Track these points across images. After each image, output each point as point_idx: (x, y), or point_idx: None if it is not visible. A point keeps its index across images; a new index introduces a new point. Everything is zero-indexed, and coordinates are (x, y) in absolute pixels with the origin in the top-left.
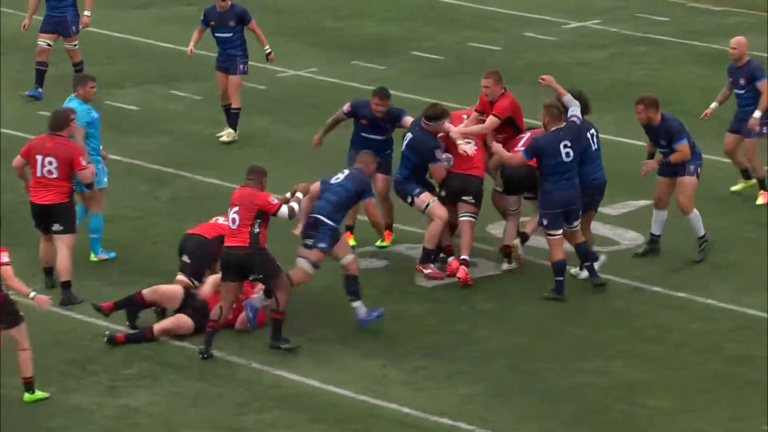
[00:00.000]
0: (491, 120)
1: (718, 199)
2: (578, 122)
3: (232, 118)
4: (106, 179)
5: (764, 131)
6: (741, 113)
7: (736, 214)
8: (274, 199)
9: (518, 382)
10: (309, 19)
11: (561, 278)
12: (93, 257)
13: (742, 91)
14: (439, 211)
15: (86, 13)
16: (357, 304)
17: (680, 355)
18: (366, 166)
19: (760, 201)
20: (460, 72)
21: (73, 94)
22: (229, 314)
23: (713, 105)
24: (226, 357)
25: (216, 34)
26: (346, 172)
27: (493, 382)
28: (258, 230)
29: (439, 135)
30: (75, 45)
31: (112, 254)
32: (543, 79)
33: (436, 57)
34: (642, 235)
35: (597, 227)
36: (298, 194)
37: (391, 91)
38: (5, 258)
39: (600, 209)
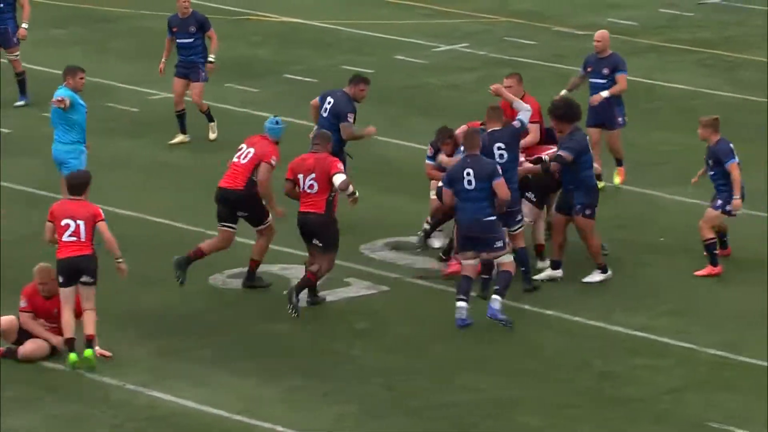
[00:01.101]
0: (533, 128)
1: None
2: (517, 126)
3: (207, 116)
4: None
5: (621, 122)
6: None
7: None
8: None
9: (391, 400)
10: None
11: (524, 268)
12: None
13: (604, 81)
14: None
15: (24, 25)
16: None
17: (550, 372)
18: None
19: (617, 180)
20: None
21: (62, 84)
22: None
23: (563, 92)
24: (100, 378)
25: (178, 41)
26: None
27: (367, 400)
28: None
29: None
30: (17, 55)
31: None
32: (492, 90)
33: (309, 80)
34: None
35: None
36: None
37: (264, 113)
38: (103, 215)
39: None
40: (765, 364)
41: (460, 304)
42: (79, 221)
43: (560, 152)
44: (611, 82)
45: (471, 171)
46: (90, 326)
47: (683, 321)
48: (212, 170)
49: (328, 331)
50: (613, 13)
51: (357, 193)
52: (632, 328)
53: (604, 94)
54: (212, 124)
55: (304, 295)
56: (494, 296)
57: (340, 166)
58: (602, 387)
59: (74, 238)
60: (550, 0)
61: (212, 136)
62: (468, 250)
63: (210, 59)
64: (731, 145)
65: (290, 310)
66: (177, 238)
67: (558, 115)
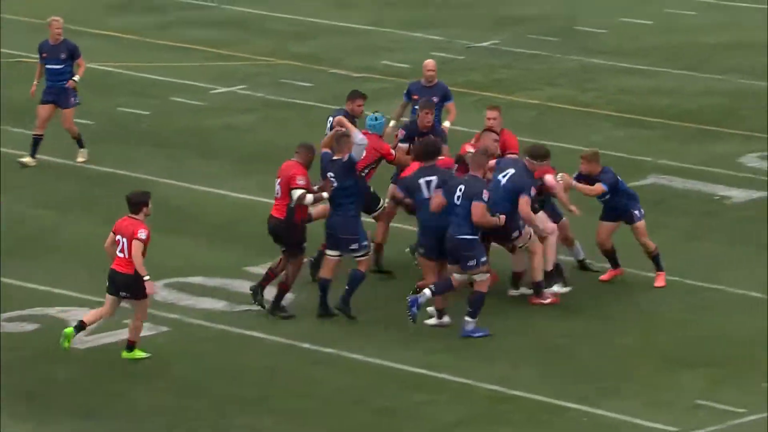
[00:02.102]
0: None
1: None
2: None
3: (78, 142)
4: None
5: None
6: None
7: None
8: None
9: None
10: None
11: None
12: None
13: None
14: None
15: (76, 77)
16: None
17: (329, 409)
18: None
19: None
20: (109, 137)
21: None
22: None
23: (392, 123)
24: None
25: (48, 66)
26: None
27: None
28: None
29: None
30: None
31: None
32: (335, 122)
33: (85, 122)
34: (291, 292)
35: (247, 286)
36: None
37: (43, 156)
38: (142, 235)
39: (251, 268)
40: (537, 397)
41: (426, 292)
42: (124, 239)
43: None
44: (438, 110)
45: (463, 187)
46: (131, 333)
47: (459, 356)
48: None
49: (108, 372)
50: (386, 56)
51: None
52: (410, 365)
53: (447, 125)
54: (83, 150)
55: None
56: (466, 318)
57: (300, 181)
58: (380, 423)
59: (122, 254)
60: (326, 43)
61: (80, 159)
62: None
63: (74, 78)
64: (615, 174)
65: (285, 317)
66: None
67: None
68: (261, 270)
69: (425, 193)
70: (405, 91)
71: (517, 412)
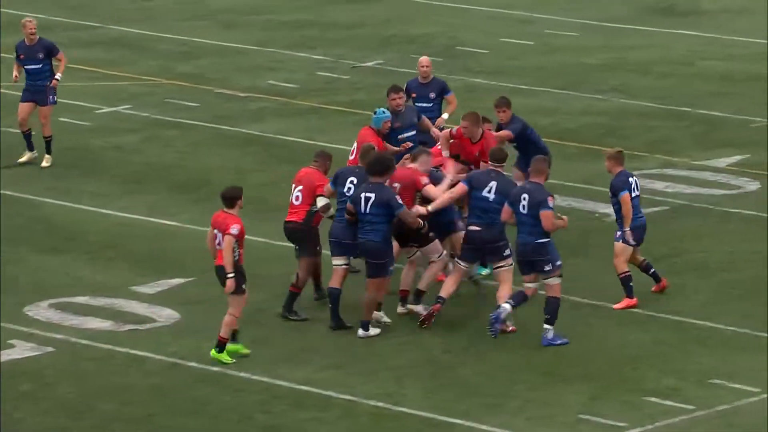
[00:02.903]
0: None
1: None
2: None
3: (47, 144)
4: None
5: None
6: None
7: (271, 290)
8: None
9: None
10: None
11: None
12: None
13: (430, 105)
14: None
15: (57, 75)
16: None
17: (215, 428)
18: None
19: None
20: None
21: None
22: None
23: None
24: None
25: (26, 67)
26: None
27: None
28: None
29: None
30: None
31: None
32: None
33: None
34: (177, 312)
35: (133, 305)
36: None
37: None
38: (234, 230)
39: (136, 288)
40: (422, 413)
41: (506, 306)
42: (219, 233)
43: None
44: (437, 105)
45: (527, 196)
46: (223, 329)
47: (345, 373)
48: None
49: None
50: (272, 75)
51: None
52: (296, 382)
53: (445, 116)
54: (48, 156)
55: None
56: (545, 326)
57: (326, 189)
58: None
59: (220, 248)
60: (212, 63)
61: (45, 164)
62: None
63: (57, 77)
64: (631, 177)
65: (299, 320)
66: None
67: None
68: (147, 289)
69: (361, 208)
70: (404, 88)
71: (402, 428)
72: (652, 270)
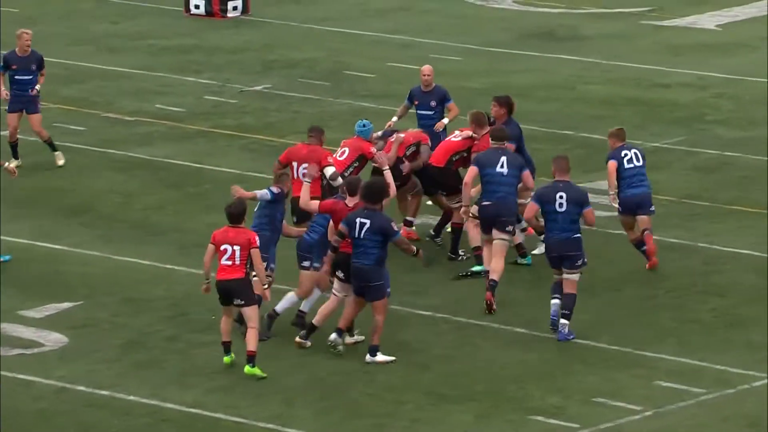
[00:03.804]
0: None
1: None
2: None
3: (51, 146)
4: None
5: None
6: (426, 130)
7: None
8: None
9: None
10: None
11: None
12: None
13: (432, 112)
14: None
15: (37, 86)
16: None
17: None
18: None
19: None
20: None
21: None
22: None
23: (394, 119)
24: None
25: (17, 77)
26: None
27: None
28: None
29: None
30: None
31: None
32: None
33: None
34: (65, 336)
35: (19, 330)
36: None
37: None
38: (258, 241)
39: (23, 312)
40: None
41: (564, 321)
42: (235, 247)
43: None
44: (438, 112)
45: (564, 195)
46: (251, 343)
47: (232, 396)
48: None
49: None
50: (159, 99)
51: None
52: (185, 405)
53: (445, 121)
54: (57, 153)
55: None
56: (563, 321)
57: (331, 159)
58: None
59: (230, 262)
60: (98, 87)
61: (60, 162)
62: (556, 268)
63: (37, 87)
64: (629, 150)
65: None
66: None
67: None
68: (35, 314)
69: (356, 233)
70: (408, 96)
71: None
72: (643, 247)
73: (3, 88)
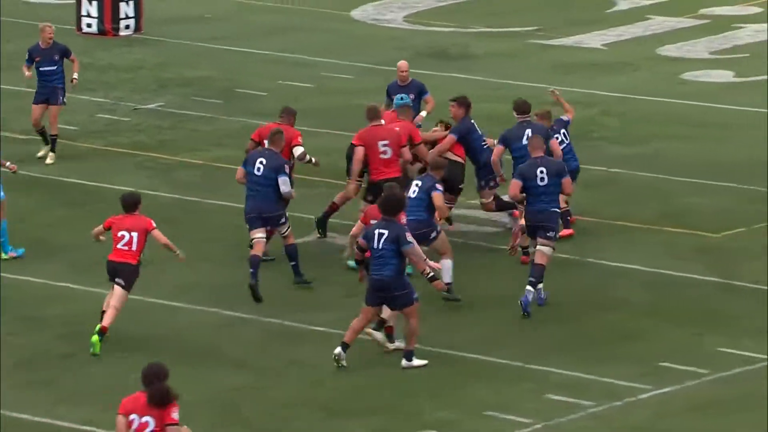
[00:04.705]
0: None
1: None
2: None
3: (53, 143)
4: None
5: None
6: None
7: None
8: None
9: None
10: None
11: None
12: (4, 256)
13: (412, 104)
14: None
15: (75, 75)
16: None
17: None
18: None
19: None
20: None
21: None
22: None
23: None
24: None
25: (41, 68)
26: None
27: None
28: None
29: None
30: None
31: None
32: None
33: None
34: None
35: None
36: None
37: None
38: (153, 224)
39: None
40: None
41: (529, 288)
42: (133, 233)
43: None
44: (416, 105)
45: (544, 169)
46: (107, 320)
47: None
48: None
49: None
50: None
51: (314, 159)
52: (78, 422)
53: (423, 114)
54: (52, 153)
55: None
56: (528, 288)
57: (300, 139)
58: None
59: (126, 248)
60: None
61: (50, 161)
62: (532, 237)
63: (74, 76)
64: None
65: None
66: None
67: None
68: None
69: (374, 243)
70: (386, 92)
71: None
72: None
73: (27, 72)
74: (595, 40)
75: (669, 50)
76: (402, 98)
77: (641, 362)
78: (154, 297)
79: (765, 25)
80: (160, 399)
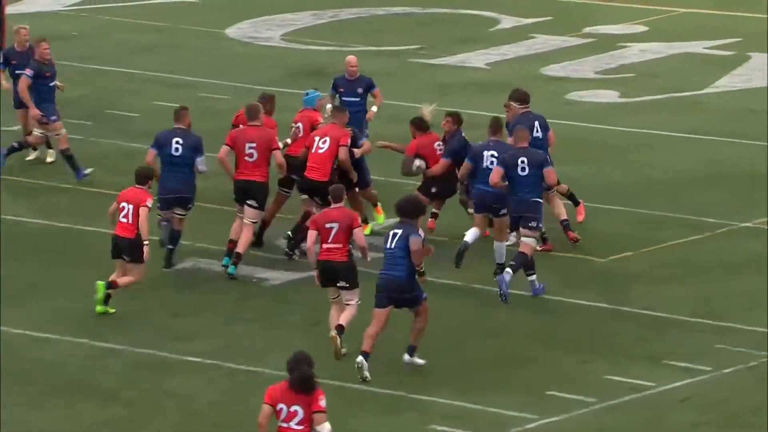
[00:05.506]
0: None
1: None
2: None
3: (19, 145)
4: None
5: None
6: (353, 116)
7: None
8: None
9: None
10: None
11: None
12: None
13: (358, 99)
14: None
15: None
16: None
17: None
18: None
19: None
20: None
21: None
22: None
23: (329, 107)
24: None
25: (17, 72)
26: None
27: None
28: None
29: None
30: (58, 134)
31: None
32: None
33: None
34: None
35: None
36: None
37: None
38: (149, 203)
39: None
40: None
41: (508, 270)
42: (130, 206)
43: None
44: (364, 100)
45: (525, 159)
46: (123, 282)
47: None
48: None
49: None
50: None
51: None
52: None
53: (374, 109)
54: (51, 150)
55: None
56: (508, 270)
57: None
58: None
59: (125, 220)
60: None
61: (49, 159)
62: (515, 228)
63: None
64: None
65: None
66: None
67: None
68: None
69: (388, 243)
70: (332, 85)
71: None
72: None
73: (5, 81)
74: (478, 59)
75: (554, 70)
76: (308, 93)
77: (528, 391)
78: (22, 328)
79: (651, 44)
80: (303, 383)
